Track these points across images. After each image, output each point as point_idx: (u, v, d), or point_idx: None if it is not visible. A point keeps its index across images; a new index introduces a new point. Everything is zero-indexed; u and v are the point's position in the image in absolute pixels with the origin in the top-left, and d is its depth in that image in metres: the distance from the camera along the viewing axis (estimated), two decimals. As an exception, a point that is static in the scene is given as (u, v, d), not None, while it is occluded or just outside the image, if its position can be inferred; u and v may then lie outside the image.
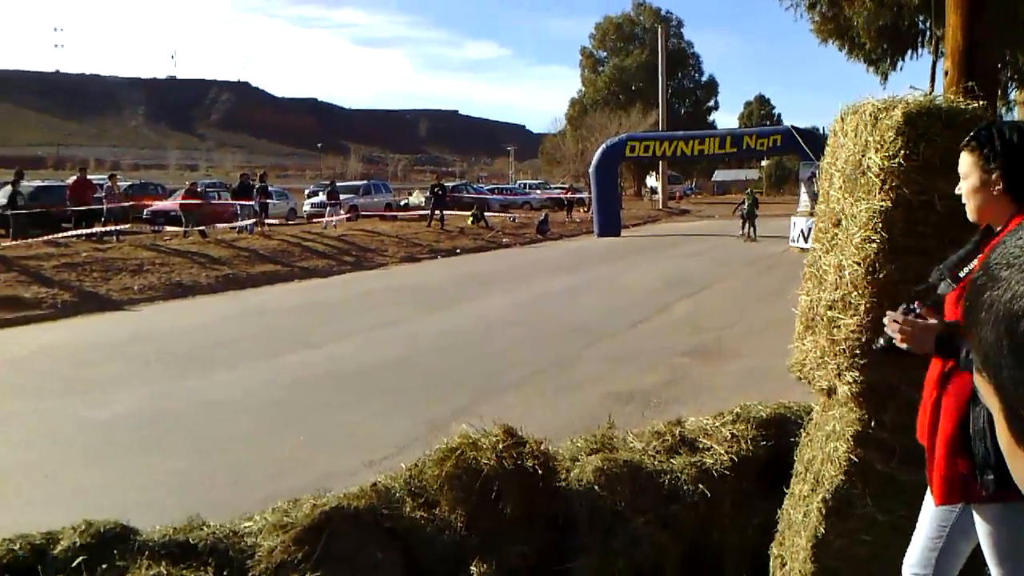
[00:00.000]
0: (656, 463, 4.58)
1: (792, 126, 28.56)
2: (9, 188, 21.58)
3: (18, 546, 4.05)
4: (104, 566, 3.97)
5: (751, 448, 4.69)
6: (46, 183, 27.07)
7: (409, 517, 4.51)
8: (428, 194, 31.43)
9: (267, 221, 25.23)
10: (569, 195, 42.13)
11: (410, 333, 11.95)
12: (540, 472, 4.31)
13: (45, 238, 19.60)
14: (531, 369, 9.66)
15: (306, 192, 40.15)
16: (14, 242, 18.92)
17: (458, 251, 24.23)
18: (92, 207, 21.39)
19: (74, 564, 3.98)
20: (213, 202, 26.50)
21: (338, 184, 33.49)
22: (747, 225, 27.67)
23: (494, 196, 46.19)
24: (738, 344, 10.93)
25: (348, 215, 29.64)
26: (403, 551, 4.26)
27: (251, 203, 24.44)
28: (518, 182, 67.48)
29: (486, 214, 32.24)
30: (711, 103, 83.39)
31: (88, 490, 6.08)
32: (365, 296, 15.93)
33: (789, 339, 4.02)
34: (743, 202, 29.15)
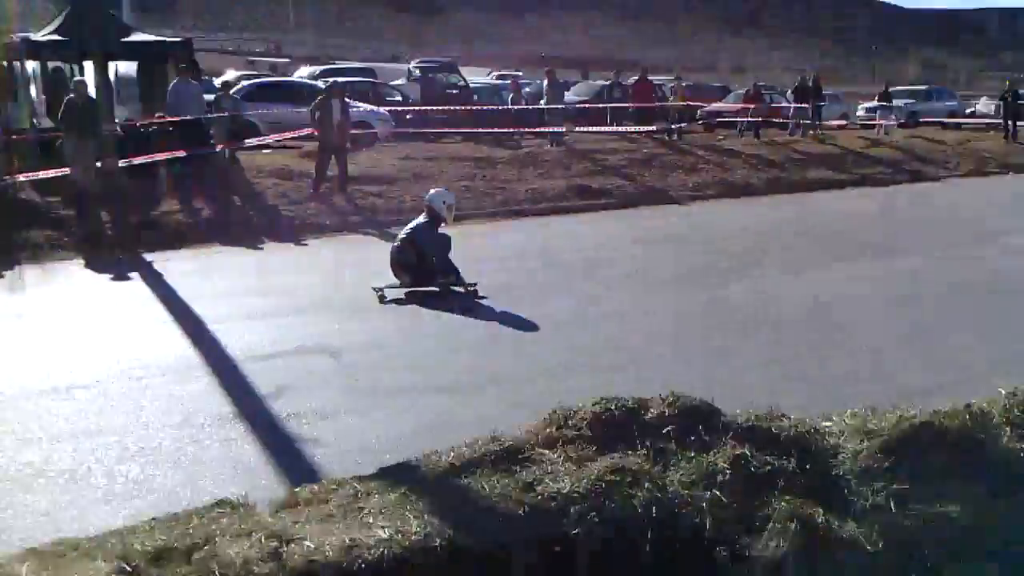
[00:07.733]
0: None
1: None
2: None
3: (614, 406, 4.52)
4: (691, 438, 4.24)
5: None
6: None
7: (1005, 448, 4.17)
8: (998, 101, 27.90)
9: (821, 124, 24.57)
10: None
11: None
12: None
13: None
14: None
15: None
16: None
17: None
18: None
19: (664, 431, 4.31)
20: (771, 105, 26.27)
21: (893, 89, 31.01)
22: None
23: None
24: None
25: (901, 121, 27.56)
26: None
27: (805, 106, 23.94)
28: None
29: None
30: None
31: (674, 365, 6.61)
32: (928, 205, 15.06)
33: None
34: None
